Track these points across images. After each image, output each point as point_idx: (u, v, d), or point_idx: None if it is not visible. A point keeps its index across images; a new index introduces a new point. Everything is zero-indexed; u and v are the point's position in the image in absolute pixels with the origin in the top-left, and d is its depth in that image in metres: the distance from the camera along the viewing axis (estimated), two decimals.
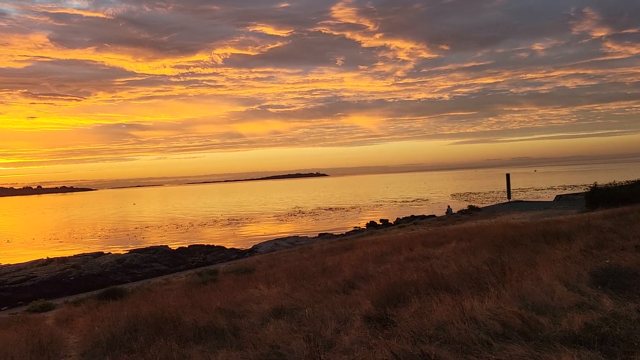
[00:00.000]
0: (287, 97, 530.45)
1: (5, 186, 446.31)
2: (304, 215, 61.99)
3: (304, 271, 11.30)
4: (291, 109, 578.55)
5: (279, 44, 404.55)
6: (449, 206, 42.75)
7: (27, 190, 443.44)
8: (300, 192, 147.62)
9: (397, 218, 45.31)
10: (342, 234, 36.47)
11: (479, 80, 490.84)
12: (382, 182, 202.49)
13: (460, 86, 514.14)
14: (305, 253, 19.47)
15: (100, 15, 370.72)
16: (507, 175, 48.53)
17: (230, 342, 5.79)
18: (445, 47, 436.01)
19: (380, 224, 42.95)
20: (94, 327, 7.59)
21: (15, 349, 6.64)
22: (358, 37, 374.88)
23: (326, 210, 67.88)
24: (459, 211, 37.49)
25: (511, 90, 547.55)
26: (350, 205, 73.56)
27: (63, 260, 29.07)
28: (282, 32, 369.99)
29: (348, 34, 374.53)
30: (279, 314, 6.71)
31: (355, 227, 42.71)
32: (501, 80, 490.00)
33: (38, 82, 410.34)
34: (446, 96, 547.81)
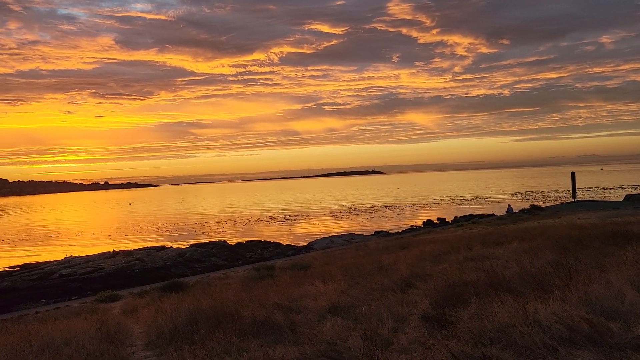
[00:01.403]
0: (343, 95, 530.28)
1: (75, 182, 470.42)
2: (359, 212, 61.84)
3: (359, 269, 11.27)
4: (347, 106, 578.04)
5: (334, 41, 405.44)
6: (509, 205, 41.45)
7: (95, 186, 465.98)
8: (356, 189, 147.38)
9: (455, 217, 44.43)
10: (398, 232, 36.14)
11: (541, 75, 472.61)
12: (439, 180, 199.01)
13: (521, 81, 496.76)
14: (360, 251, 19.42)
15: (162, 17, 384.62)
16: (572, 174, 46.50)
17: (287, 337, 5.85)
18: (506, 42, 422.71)
19: (437, 222, 42.25)
20: (157, 318, 7.85)
21: (86, 336, 6.98)
22: (414, 33, 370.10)
23: (382, 208, 67.44)
24: (520, 210, 36.30)
25: (576, 85, 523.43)
26: (406, 203, 72.75)
27: (128, 253, 30.38)
28: (338, 30, 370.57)
29: (404, 30, 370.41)
30: (335, 311, 6.72)
31: (412, 226, 42.22)
32: (565, 75, 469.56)
33: (105, 83, 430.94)
34: (506, 92, 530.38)
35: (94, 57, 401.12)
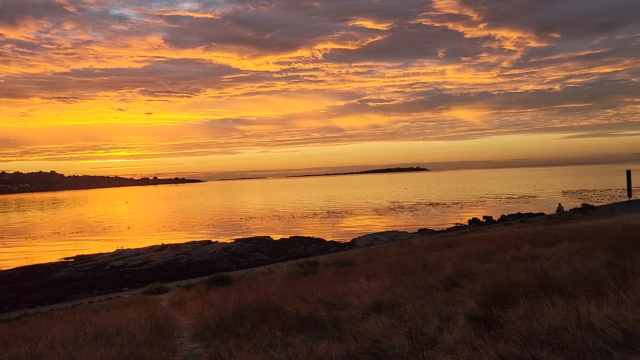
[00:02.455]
0: (387, 91, 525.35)
1: (126, 177, 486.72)
2: (403, 210, 61.30)
3: (403, 266, 11.17)
4: (391, 102, 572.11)
5: (378, 37, 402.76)
6: (560, 204, 40.13)
7: (144, 181, 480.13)
8: (400, 186, 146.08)
9: (502, 215, 43.44)
10: (442, 230, 35.63)
11: (594, 70, 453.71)
12: (485, 178, 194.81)
13: (573, 76, 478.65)
14: (404, 248, 19.25)
15: (209, 16, 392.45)
16: (628, 172, 44.53)
17: (331, 333, 5.86)
18: (556, 35, 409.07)
19: (484, 221, 41.41)
20: (204, 311, 8.03)
21: (136, 326, 7.21)
22: (461, 28, 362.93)
23: (426, 205, 66.61)
24: (571, 210, 35.10)
25: (632, 79, 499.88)
26: (451, 201, 71.59)
27: (176, 247, 31.18)
28: (382, 26, 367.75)
29: (450, 25, 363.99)
30: (379, 309, 6.69)
31: (457, 224, 41.53)
32: (621, 69, 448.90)
33: (154, 81, 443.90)
34: (557, 87, 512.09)
35: (143, 56, 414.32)
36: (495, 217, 42.38)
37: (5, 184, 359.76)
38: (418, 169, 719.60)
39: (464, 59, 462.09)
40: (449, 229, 36.55)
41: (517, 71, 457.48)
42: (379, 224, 45.67)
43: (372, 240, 31.70)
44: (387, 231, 36.60)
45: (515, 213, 44.35)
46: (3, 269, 27.89)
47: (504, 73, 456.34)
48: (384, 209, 64.26)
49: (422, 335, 4.92)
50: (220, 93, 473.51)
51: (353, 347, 4.98)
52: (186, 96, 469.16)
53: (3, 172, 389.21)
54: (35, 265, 28.61)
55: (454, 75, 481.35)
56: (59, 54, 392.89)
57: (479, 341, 4.47)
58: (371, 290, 8.18)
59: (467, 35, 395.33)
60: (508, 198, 72.21)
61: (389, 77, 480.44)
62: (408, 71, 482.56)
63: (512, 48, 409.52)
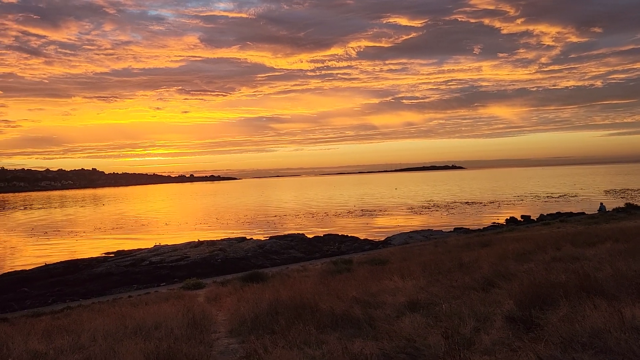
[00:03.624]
0: (422, 88, 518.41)
1: (163, 174, 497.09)
2: (438, 208, 60.60)
3: (439, 265, 11.05)
4: (426, 100, 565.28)
5: (413, 34, 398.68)
6: (601, 203, 38.90)
7: (181, 178, 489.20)
8: (435, 184, 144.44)
9: (541, 214, 42.44)
10: (479, 229, 35.04)
11: (638, 65, 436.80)
12: (523, 176, 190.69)
13: (615, 72, 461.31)
14: (440, 247, 19.04)
15: (244, 15, 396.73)
16: None
17: (365, 331, 5.85)
18: (598, 30, 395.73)
19: (521, 220, 40.53)
20: (240, 307, 8.12)
21: (174, 321, 7.35)
22: (497, 24, 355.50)
23: (462, 204, 65.67)
24: (614, 209, 34.03)
25: None
26: (488, 200, 70.35)
27: (211, 243, 31.66)
28: (417, 23, 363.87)
29: (486, 21, 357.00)
30: (414, 308, 6.64)
31: (494, 223, 40.78)
32: None
33: (190, 80, 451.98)
34: (599, 83, 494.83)
35: (180, 56, 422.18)
36: (534, 217, 41.41)
37: (49, 180, 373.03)
38: (454, 167, 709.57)
39: (500, 55, 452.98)
40: (485, 228, 35.93)
41: (556, 67, 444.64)
42: (414, 223, 45.27)
43: (407, 238, 31.45)
44: (422, 230, 36.25)
45: (554, 212, 43.24)
46: (48, 263, 28.89)
47: (542, 69, 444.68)
48: (418, 207, 63.65)
49: (459, 336, 4.86)
50: (254, 91, 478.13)
51: (388, 346, 4.96)
52: (221, 95, 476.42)
53: (47, 169, 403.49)
54: (78, 259, 29.52)
55: (490, 72, 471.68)
56: (99, 54, 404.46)
57: (517, 343, 4.39)
58: (406, 289, 8.13)
59: (504, 31, 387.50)
60: (547, 197, 70.48)
61: (423, 74, 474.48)
62: (443, 68, 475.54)
63: (551, 43, 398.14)
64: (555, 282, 6.40)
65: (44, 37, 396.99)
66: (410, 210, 59.94)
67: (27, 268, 27.68)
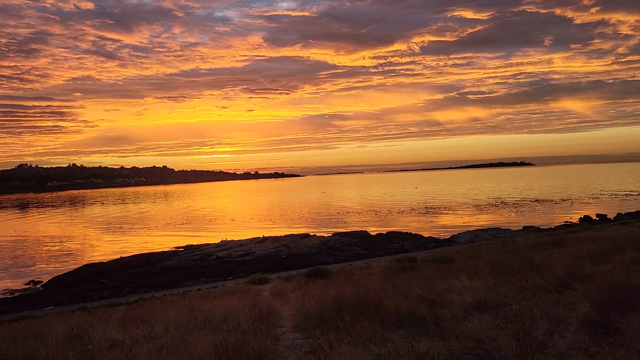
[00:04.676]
0: (488, 83, 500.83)
1: (229, 171, 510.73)
2: (506, 206, 58.63)
3: (508, 265, 10.69)
4: (492, 94, 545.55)
5: (479, 27, 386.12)
6: None
7: (246, 175, 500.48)
8: (503, 181, 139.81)
9: (618, 213, 40.12)
10: (550, 228, 33.61)
11: None
12: (598, 173, 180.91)
13: None
14: (508, 246, 18.41)
15: (306, 13, 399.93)
16: None
17: (432, 331, 5.76)
18: None
19: (597, 219, 38.52)
20: (304, 302, 8.20)
21: (241, 315, 7.54)
22: (570, 13, 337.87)
23: (531, 201, 63.20)
24: None
25: None
26: (559, 198, 67.33)
27: (276, 239, 32.19)
28: (483, 15, 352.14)
29: (557, 11, 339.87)
30: (482, 308, 6.46)
31: (566, 222, 38.98)
32: None
33: (255, 79, 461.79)
34: None
35: (245, 55, 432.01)
36: (610, 216, 39.24)
37: (123, 177, 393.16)
38: (522, 164, 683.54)
39: (573, 46, 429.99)
40: (556, 227, 34.40)
41: (635, 57, 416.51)
42: (480, 221, 44.05)
43: (473, 237, 30.65)
44: (489, 228, 35.21)
45: (634, 211, 40.78)
46: (123, 256, 30.44)
47: (619, 60, 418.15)
48: (485, 205, 61.85)
49: (531, 338, 4.68)
50: (317, 89, 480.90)
51: (456, 346, 4.85)
52: (285, 93, 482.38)
53: (122, 166, 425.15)
54: (150, 253, 30.90)
55: (562, 64, 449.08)
56: (169, 56, 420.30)
57: (595, 348, 4.17)
58: (473, 289, 7.93)
59: (577, 21, 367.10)
60: (625, 195, 66.53)
61: (490, 68, 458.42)
62: (511, 61, 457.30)
63: (629, 32, 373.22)
64: (636, 285, 6.04)
65: (118, 41, 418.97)
66: (476, 208, 58.34)
67: (105, 260, 29.30)
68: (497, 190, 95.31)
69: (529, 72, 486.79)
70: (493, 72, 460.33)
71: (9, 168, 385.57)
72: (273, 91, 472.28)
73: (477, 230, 34.18)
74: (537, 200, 64.33)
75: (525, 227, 35.37)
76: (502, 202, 65.10)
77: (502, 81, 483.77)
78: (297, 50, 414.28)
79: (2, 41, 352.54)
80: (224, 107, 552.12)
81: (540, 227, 34.73)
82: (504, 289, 7.61)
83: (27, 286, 24.09)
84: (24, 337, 7.49)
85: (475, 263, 12.46)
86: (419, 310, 6.53)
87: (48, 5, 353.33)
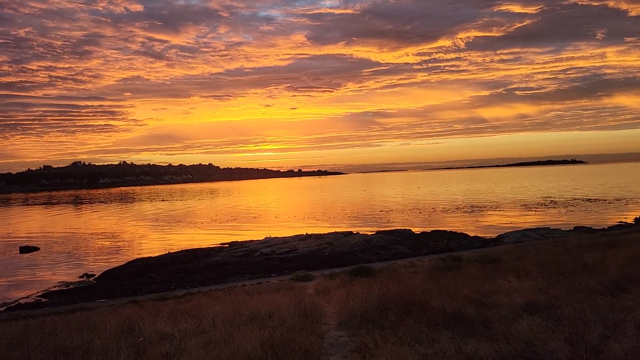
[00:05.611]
0: (537, 78, 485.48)
1: (273, 169, 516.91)
2: (556, 205, 56.82)
3: (558, 266, 10.36)
4: (541, 90, 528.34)
5: (527, 22, 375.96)
6: None
7: (289, 173, 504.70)
8: (552, 180, 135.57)
9: None
10: (602, 229, 32.35)
11: None
12: None
13: None
14: (558, 247, 17.85)
15: (349, 11, 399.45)
16: None
17: (479, 332, 5.65)
18: None
19: None
20: (349, 300, 8.21)
21: (286, 311, 7.62)
22: (624, 5, 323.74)
23: (583, 201, 61.00)
24: None
25: None
26: (613, 197, 64.70)
27: (319, 237, 32.30)
28: (531, 9, 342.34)
29: (611, 3, 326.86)
30: (532, 310, 6.29)
31: (620, 222, 37.42)
32: None
33: (298, 77, 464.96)
34: None
35: (288, 54, 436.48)
36: None
37: (171, 175, 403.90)
38: (573, 162, 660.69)
39: (628, 39, 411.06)
40: (610, 228, 33.07)
41: None
42: (528, 220, 42.85)
43: (521, 236, 29.86)
44: (538, 228, 34.20)
45: None
46: (171, 251, 31.26)
47: None
48: (533, 204, 60.13)
49: (584, 342, 4.52)
50: (360, 87, 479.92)
51: (505, 349, 4.74)
52: (328, 91, 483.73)
53: (169, 164, 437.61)
54: (197, 249, 31.59)
55: (616, 58, 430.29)
56: (214, 55, 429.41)
57: None
58: (522, 290, 7.73)
59: (632, 13, 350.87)
60: None
61: (538, 63, 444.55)
62: (561, 56, 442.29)
63: None
64: None
65: (166, 41, 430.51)
66: (524, 207, 56.79)
67: (153, 255, 30.17)
68: (546, 188, 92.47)
69: (581, 67, 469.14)
70: (542, 68, 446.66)
71: (64, 165, 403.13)
72: (316, 89, 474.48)
73: (525, 229, 33.27)
74: (588, 200, 62.06)
75: (576, 228, 34.19)
76: (551, 201, 63.14)
77: (551, 77, 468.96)
78: (340, 48, 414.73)
79: (57, 44, 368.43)
80: (267, 106, 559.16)
81: (593, 228, 33.48)
82: (555, 291, 7.38)
83: (81, 279, 25.08)
84: (80, 328, 7.81)
85: (523, 263, 12.14)
86: (466, 310, 6.42)
87: (100, 8, 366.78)
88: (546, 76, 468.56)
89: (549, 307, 6.31)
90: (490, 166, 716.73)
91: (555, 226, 35.44)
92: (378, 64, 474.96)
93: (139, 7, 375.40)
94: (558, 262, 11.35)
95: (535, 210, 52.12)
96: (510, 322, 5.87)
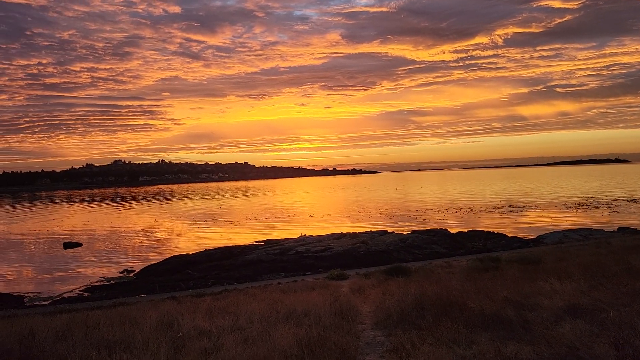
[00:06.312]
0: (578, 75, 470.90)
1: (308, 168, 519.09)
2: (598, 205, 55.09)
3: (602, 268, 10.05)
4: (583, 87, 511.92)
5: (568, 17, 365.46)
6: None
7: (324, 172, 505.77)
8: (594, 179, 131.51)
9: None
10: None
11: None
12: None
13: None
14: (602, 248, 17.30)
15: (384, 9, 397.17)
16: None
17: (519, 334, 5.53)
18: None
19: None
20: (385, 300, 8.16)
21: (322, 310, 7.63)
22: None
23: (627, 201, 58.95)
24: None
25: None
26: None
27: (354, 235, 32.24)
28: (572, 4, 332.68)
29: None
30: (575, 313, 6.12)
31: None
32: None
33: (333, 76, 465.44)
34: None
35: (323, 53, 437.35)
36: None
37: (208, 173, 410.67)
38: (617, 161, 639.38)
39: None
40: None
41: None
42: (569, 220, 41.69)
43: (562, 237, 29.09)
44: (579, 228, 33.24)
45: None
46: (208, 248, 31.77)
47: None
48: (574, 204, 58.46)
49: (631, 347, 4.37)
50: (395, 85, 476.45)
51: (546, 352, 4.63)
52: (363, 89, 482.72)
53: (206, 163, 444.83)
54: (232, 246, 32.00)
55: None
56: (250, 55, 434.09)
57: None
58: (564, 292, 7.52)
59: None
60: None
61: (580, 59, 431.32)
62: (604, 52, 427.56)
63: None
64: None
65: (203, 42, 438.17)
66: (564, 207, 55.28)
67: (190, 252, 30.73)
68: (588, 188, 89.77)
69: (625, 63, 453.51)
70: (584, 64, 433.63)
71: (105, 164, 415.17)
72: (351, 88, 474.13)
73: (566, 230, 32.40)
74: (633, 200, 59.93)
75: (620, 228, 33.08)
76: (593, 201, 61.27)
77: (594, 73, 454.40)
78: (375, 47, 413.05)
79: (99, 45, 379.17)
80: (302, 104, 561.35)
81: (638, 229, 32.33)
82: (599, 294, 7.16)
83: (121, 275, 25.76)
84: (121, 322, 8.02)
85: (565, 265, 11.82)
86: (505, 312, 6.30)
87: (140, 11, 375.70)
88: (588, 73, 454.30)
89: (592, 311, 6.12)
90: (529, 165, 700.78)
91: (597, 227, 34.38)
92: (413, 61, 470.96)
93: (176, 9, 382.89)
94: (601, 264, 11.00)
95: (577, 211, 50.68)
96: (552, 325, 5.72)
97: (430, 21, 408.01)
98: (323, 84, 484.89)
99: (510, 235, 32.34)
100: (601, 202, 58.60)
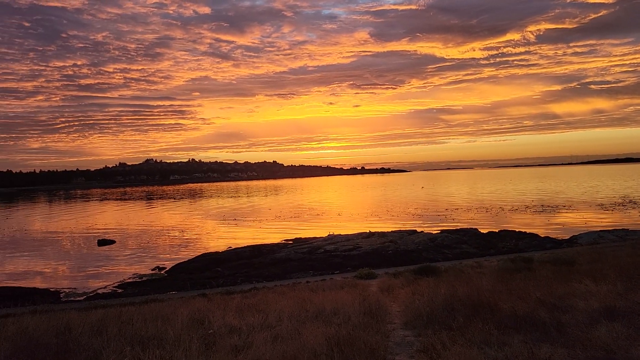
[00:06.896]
0: (614, 71, 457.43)
1: (336, 166, 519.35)
2: (635, 205, 53.52)
3: (639, 270, 9.76)
4: (619, 84, 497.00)
5: (603, 12, 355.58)
6: None
7: (353, 170, 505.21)
8: (631, 178, 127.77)
9: None
10: None
11: None
12: None
13: None
14: (639, 249, 16.81)
15: (413, 7, 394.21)
16: None
17: (553, 337, 5.42)
18: None
19: None
20: (414, 300, 8.11)
21: (351, 309, 7.63)
22: None
23: None
24: None
25: None
26: None
27: (382, 235, 32.10)
28: None
29: None
30: (611, 315, 5.97)
31: None
32: None
33: (361, 74, 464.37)
34: None
35: (351, 51, 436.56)
36: None
37: (237, 172, 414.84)
38: None
39: None
40: None
41: None
42: (604, 221, 40.62)
43: (597, 238, 28.37)
44: (615, 229, 32.36)
45: None
46: (237, 247, 32.09)
47: None
48: (610, 204, 56.90)
49: None
50: (424, 83, 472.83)
51: (582, 355, 4.53)
52: (391, 88, 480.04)
53: (235, 162, 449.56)
54: (261, 245, 32.24)
55: None
56: (278, 55, 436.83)
57: None
58: (600, 294, 7.34)
59: None
60: None
61: (616, 55, 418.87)
62: None
63: None
64: None
65: (232, 42, 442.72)
66: (599, 207, 53.88)
67: (220, 250, 31.09)
68: (625, 187, 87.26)
69: None
70: (620, 60, 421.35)
71: (137, 163, 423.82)
72: (379, 86, 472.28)
73: (601, 230, 31.58)
74: None
75: None
76: (630, 200, 59.54)
77: (630, 69, 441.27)
78: (403, 45, 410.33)
79: (131, 47, 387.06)
80: (331, 103, 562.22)
81: None
82: (636, 296, 6.97)
83: (153, 272, 26.23)
84: (154, 318, 8.17)
85: (600, 266, 11.53)
86: (538, 314, 6.18)
87: (170, 12, 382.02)
88: (624, 69, 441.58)
89: (629, 313, 5.96)
90: (562, 164, 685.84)
91: (635, 228, 33.42)
92: (443, 59, 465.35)
93: (206, 10, 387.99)
94: (639, 265, 10.70)
95: (612, 211, 49.34)
96: (587, 327, 5.59)
97: (459, 18, 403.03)
98: (351, 82, 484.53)
99: (542, 236, 31.71)
100: (638, 202, 56.93)
